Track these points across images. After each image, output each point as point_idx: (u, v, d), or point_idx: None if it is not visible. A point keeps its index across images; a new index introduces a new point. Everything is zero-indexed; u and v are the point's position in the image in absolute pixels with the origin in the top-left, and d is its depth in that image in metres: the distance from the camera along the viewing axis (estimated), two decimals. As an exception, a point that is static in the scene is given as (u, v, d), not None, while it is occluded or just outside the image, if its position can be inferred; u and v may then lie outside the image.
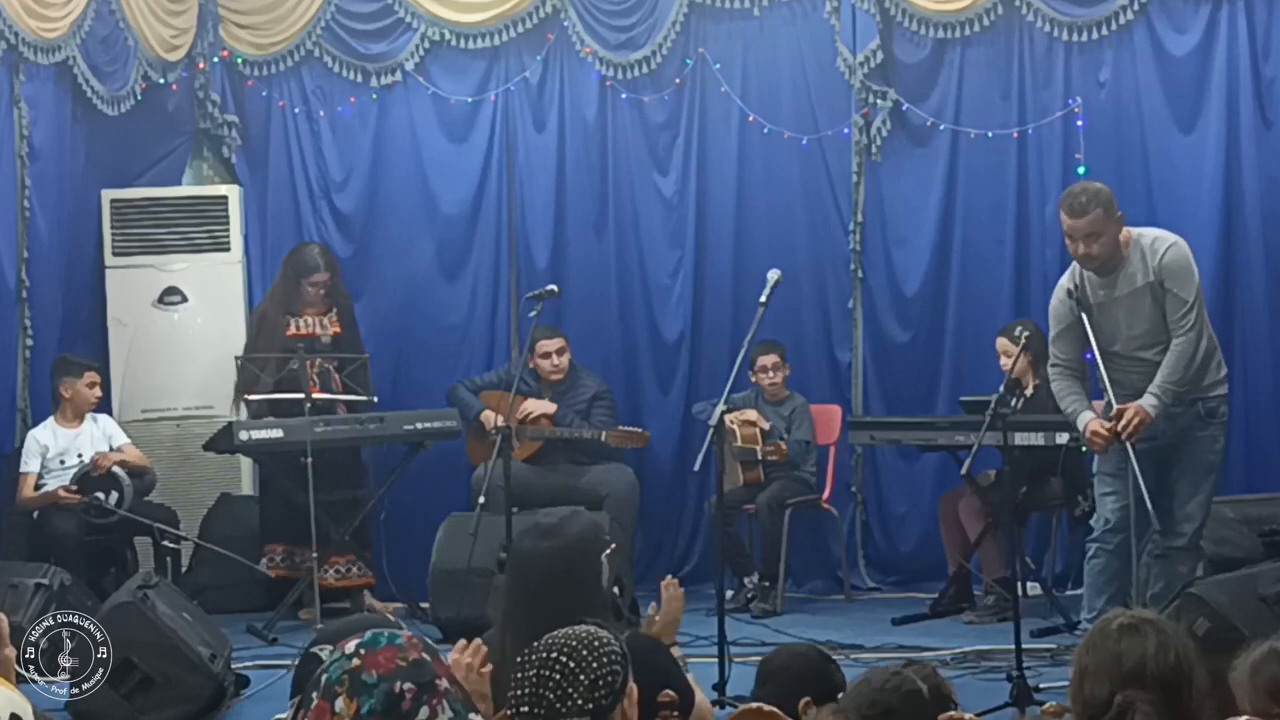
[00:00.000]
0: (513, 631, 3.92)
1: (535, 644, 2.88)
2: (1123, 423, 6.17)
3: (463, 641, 3.51)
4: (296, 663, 3.26)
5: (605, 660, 2.82)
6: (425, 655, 2.50)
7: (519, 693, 2.81)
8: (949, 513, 7.95)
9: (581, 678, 2.79)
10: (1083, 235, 6.22)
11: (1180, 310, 6.22)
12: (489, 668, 3.61)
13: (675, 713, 3.44)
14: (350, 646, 2.54)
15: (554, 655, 2.82)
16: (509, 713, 2.85)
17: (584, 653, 2.82)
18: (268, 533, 8.15)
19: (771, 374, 8.33)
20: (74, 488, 7.71)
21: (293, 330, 8.19)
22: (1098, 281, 6.35)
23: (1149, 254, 6.27)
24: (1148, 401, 6.18)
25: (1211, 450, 6.37)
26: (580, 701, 2.77)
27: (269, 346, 8.14)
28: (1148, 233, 6.39)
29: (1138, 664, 2.92)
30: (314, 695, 2.49)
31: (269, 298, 8.39)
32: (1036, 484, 7.63)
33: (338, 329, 8.28)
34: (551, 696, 2.78)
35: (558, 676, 2.79)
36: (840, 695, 3.76)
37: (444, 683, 2.50)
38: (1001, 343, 7.65)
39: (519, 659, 2.87)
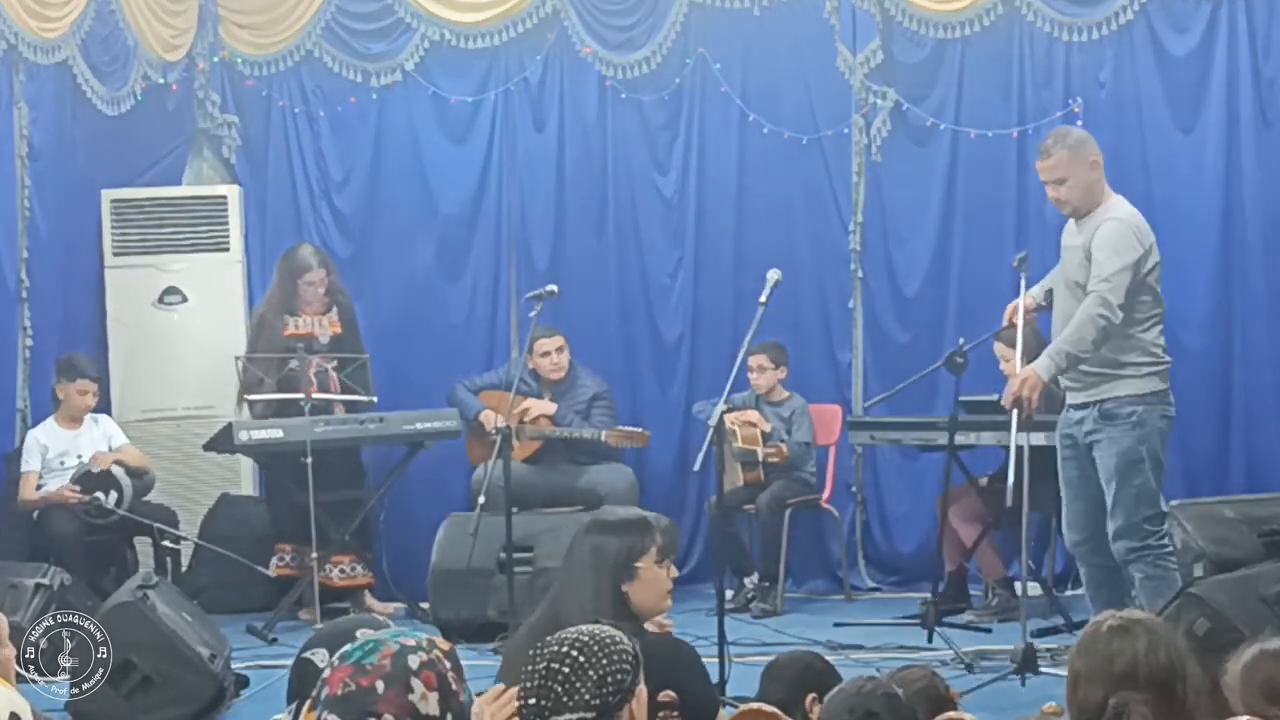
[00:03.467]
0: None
1: (548, 638, 2.90)
2: (1008, 394, 5.95)
3: (499, 688, 3.39)
4: (292, 666, 3.26)
5: (616, 658, 2.85)
6: (378, 683, 2.40)
7: (528, 684, 2.83)
8: (944, 512, 7.93)
9: (590, 673, 2.81)
10: (1048, 179, 6.14)
11: (1095, 280, 5.94)
12: None
13: (675, 713, 3.45)
14: (341, 651, 2.51)
15: (565, 649, 2.84)
16: (518, 704, 2.86)
17: (595, 649, 2.84)
18: (278, 532, 8.15)
19: (757, 374, 8.33)
20: (75, 488, 7.71)
21: (291, 330, 8.18)
22: (1073, 227, 6.23)
23: (1099, 219, 6.08)
24: (1039, 363, 5.96)
25: (1114, 453, 6.02)
26: (587, 697, 2.80)
27: (269, 349, 8.13)
28: (1119, 206, 6.15)
29: (1130, 665, 2.92)
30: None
31: (266, 302, 8.36)
32: (1035, 484, 7.61)
33: (337, 329, 8.28)
34: (559, 690, 2.80)
35: (566, 670, 2.81)
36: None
37: (387, 718, 2.39)
38: (998, 347, 7.58)
39: (531, 651, 2.88)
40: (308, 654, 3.18)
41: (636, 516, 4.21)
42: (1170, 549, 6.00)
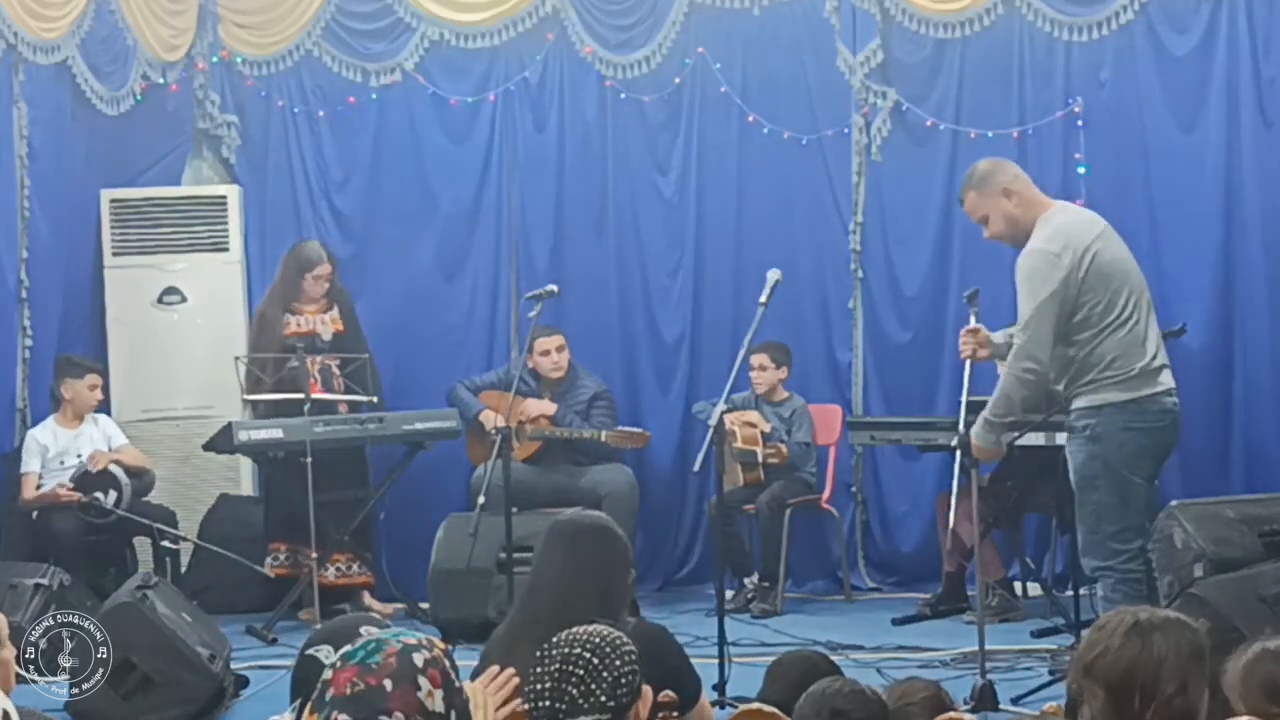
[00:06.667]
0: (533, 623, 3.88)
1: (555, 639, 2.90)
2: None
3: (494, 670, 3.37)
4: (295, 663, 3.24)
5: (627, 659, 2.87)
6: (386, 681, 2.38)
7: (539, 687, 2.83)
8: (944, 512, 7.93)
9: (605, 675, 2.82)
10: (975, 222, 6.03)
11: (1018, 330, 5.78)
12: (509, 707, 3.47)
13: (675, 713, 3.45)
14: (341, 651, 2.50)
15: (577, 651, 2.84)
16: (528, 707, 2.86)
17: (607, 650, 2.86)
18: (272, 531, 8.15)
19: (758, 374, 8.32)
20: (73, 487, 7.71)
21: (293, 329, 8.18)
22: None
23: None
24: (977, 434, 5.84)
25: (1072, 469, 5.88)
26: (603, 699, 2.81)
27: (269, 347, 8.13)
28: (1040, 230, 5.81)
29: (1097, 657, 2.89)
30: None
31: (267, 298, 8.36)
32: (1036, 484, 7.61)
33: (339, 327, 8.27)
34: (574, 692, 2.80)
35: (581, 672, 2.82)
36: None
37: (398, 716, 2.38)
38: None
39: (539, 653, 2.88)
40: (311, 650, 3.17)
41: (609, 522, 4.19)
42: (1137, 577, 5.78)
